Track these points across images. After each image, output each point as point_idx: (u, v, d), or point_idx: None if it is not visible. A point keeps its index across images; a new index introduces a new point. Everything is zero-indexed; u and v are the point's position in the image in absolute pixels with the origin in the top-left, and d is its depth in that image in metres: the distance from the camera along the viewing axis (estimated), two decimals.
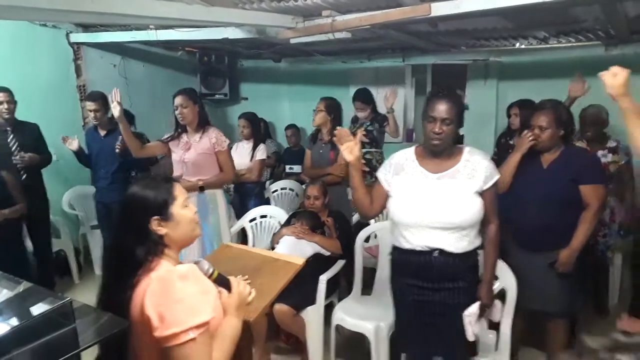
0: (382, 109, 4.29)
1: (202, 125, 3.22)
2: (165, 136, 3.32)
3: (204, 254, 3.04)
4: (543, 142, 2.45)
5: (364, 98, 4.09)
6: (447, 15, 2.65)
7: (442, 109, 1.93)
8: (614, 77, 1.62)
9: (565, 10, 3.11)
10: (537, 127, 2.45)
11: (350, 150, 2.05)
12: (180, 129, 3.25)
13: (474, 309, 2.03)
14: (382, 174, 2.15)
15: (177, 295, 1.22)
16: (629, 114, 1.66)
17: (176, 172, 3.28)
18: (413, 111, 5.54)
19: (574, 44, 4.16)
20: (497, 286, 2.46)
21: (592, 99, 3.40)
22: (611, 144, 3.29)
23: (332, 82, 5.54)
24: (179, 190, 1.43)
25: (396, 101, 4.19)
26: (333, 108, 3.54)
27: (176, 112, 3.15)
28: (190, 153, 3.19)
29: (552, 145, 2.46)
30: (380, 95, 4.97)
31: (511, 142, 3.73)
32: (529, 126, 2.50)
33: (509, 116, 3.80)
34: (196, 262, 1.40)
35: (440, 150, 1.99)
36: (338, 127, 2.13)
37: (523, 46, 4.36)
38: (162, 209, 1.36)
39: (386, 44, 4.60)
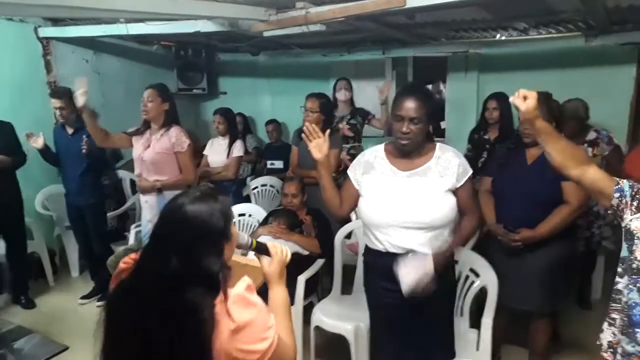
0: (360, 102, 4.23)
1: (167, 124, 3.11)
2: (131, 129, 3.23)
3: None
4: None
5: (347, 80, 4.08)
6: (422, 7, 2.58)
7: (410, 107, 1.86)
8: (525, 101, 1.58)
9: (544, 1, 3.06)
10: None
11: (319, 148, 1.99)
12: (145, 125, 3.15)
13: (417, 261, 1.88)
14: (351, 172, 2.09)
15: (256, 310, 1.13)
16: (545, 135, 1.64)
17: (135, 171, 3.19)
18: None
19: (554, 35, 4.12)
20: (477, 284, 2.43)
21: (571, 90, 3.38)
22: (590, 136, 3.25)
23: (312, 76, 5.45)
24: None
25: (376, 95, 4.14)
26: (327, 107, 3.44)
27: (141, 105, 3.05)
28: (149, 151, 3.09)
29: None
30: (361, 89, 4.92)
31: (486, 137, 3.69)
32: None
33: (485, 110, 3.72)
34: None
35: (409, 150, 1.93)
36: (307, 123, 2.04)
37: (503, 38, 4.30)
38: (227, 228, 1.19)
39: (366, 37, 4.52)
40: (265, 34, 3.44)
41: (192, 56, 5.53)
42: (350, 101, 4.13)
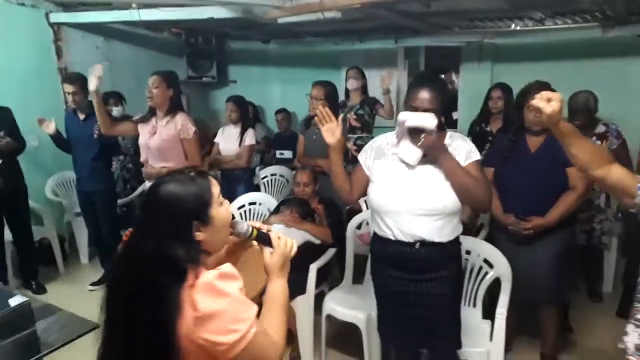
0: (372, 92, 4.18)
1: (172, 110, 3.10)
2: (137, 117, 3.22)
3: None
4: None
5: (358, 69, 4.01)
6: None
7: (423, 97, 1.83)
8: (550, 104, 1.51)
9: None
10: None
11: (332, 132, 1.96)
12: (151, 112, 3.13)
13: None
14: (362, 158, 2.07)
15: (227, 301, 1.08)
16: (569, 137, 1.58)
17: (142, 157, 3.18)
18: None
19: (571, 26, 4.05)
20: (491, 275, 2.42)
21: (587, 81, 3.32)
22: (600, 129, 3.19)
23: (323, 65, 5.41)
24: (214, 186, 1.22)
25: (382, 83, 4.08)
26: (333, 95, 3.42)
27: (146, 92, 3.04)
28: (155, 138, 3.08)
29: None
30: (372, 77, 4.87)
31: (487, 129, 3.63)
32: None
33: (489, 99, 3.64)
34: (232, 225, 1.27)
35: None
36: (320, 107, 2.01)
37: (518, 28, 4.24)
38: (202, 211, 1.16)
39: (378, 25, 4.47)
40: (280, 20, 3.40)
41: (202, 44, 5.49)
42: (362, 90, 4.08)
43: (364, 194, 2.07)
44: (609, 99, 3.30)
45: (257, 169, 4.92)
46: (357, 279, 3.02)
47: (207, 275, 1.07)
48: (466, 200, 1.89)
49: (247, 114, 4.15)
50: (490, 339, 2.35)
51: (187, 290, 1.05)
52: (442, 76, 5.05)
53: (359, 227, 3.20)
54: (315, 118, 2.00)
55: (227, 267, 1.12)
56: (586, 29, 4.01)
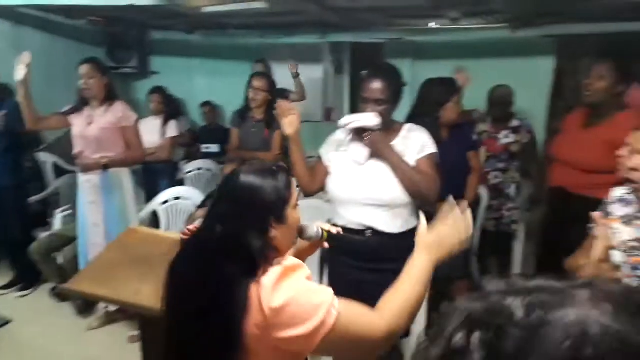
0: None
1: (108, 99, 2.98)
2: (66, 108, 3.04)
3: (108, 239, 2.83)
4: None
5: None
6: None
7: (374, 88, 1.91)
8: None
9: None
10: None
11: (291, 124, 2.00)
12: (82, 102, 2.98)
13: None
14: (324, 150, 2.15)
15: (295, 292, 1.02)
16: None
17: (76, 149, 3.01)
18: (332, 89, 5.52)
19: (484, 26, 4.31)
20: None
21: (498, 79, 3.57)
22: (514, 123, 3.45)
23: (249, 58, 5.34)
24: (294, 186, 1.19)
25: (314, 79, 4.15)
26: (274, 86, 3.51)
27: (80, 83, 2.89)
28: (93, 128, 2.93)
29: None
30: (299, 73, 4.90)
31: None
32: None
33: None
34: (301, 229, 1.26)
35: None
36: (279, 100, 2.11)
37: (437, 26, 4.45)
38: (279, 209, 1.12)
39: (304, 20, 4.50)
40: (204, 10, 3.32)
41: (123, 33, 5.24)
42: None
43: (324, 184, 2.13)
44: (518, 95, 3.56)
45: (182, 163, 4.78)
46: None
47: (273, 272, 1.03)
48: (412, 194, 1.95)
49: (169, 106, 4.02)
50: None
51: (254, 287, 1.01)
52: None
53: None
54: (275, 112, 2.05)
55: (290, 260, 1.09)
56: (497, 30, 4.29)
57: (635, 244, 1.59)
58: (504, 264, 3.77)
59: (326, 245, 1.39)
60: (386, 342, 1.11)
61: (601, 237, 1.45)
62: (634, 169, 1.53)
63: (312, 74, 5.22)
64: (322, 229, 1.35)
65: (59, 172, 4.16)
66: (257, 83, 3.39)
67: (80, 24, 5.08)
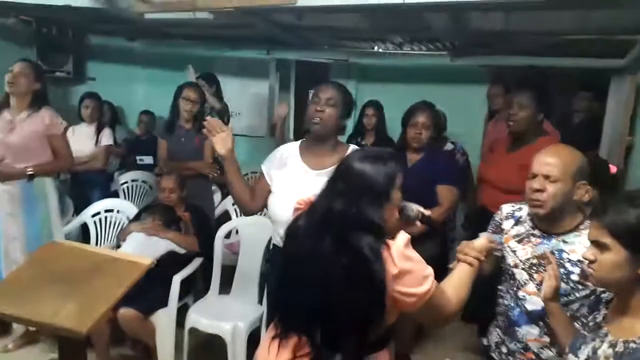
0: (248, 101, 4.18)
1: (35, 105, 2.80)
2: None
3: (27, 251, 2.63)
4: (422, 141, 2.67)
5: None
6: (312, 7, 2.61)
7: (327, 89, 1.93)
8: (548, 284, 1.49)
9: (418, 17, 3.29)
10: (420, 125, 2.66)
11: (223, 142, 1.86)
12: (2, 105, 2.78)
13: None
14: (265, 167, 2.04)
15: (415, 261, 1.25)
16: (557, 316, 1.50)
17: None
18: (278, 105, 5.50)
19: (425, 52, 4.48)
20: None
21: (437, 103, 3.68)
22: (448, 147, 3.57)
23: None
24: (402, 171, 1.35)
25: (260, 94, 4.12)
26: (203, 97, 3.46)
27: (7, 76, 2.71)
28: (16, 134, 2.74)
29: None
30: (245, 86, 4.86)
31: (363, 143, 3.86)
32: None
33: (363, 116, 3.90)
34: (401, 208, 1.39)
35: (321, 134, 1.93)
36: (208, 117, 1.95)
37: (380, 50, 4.56)
38: (389, 189, 1.30)
39: (251, 34, 4.46)
40: (147, 16, 3.21)
41: (57, 35, 4.93)
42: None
43: (266, 203, 2.02)
44: (455, 119, 3.71)
45: (117, 174, 4.55)
46: (224, 289, 2.94)
47: (398, 240, 1.23)
48: None
49: (103, 113, 3.85)
50: None
51: (385, 251, 1.21)
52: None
53: (227, 236, 3.14)
54: (204, 130, 1.89)
55: (406, 235, 1.26)
56: (437, 57, 4.46)
57: (534, 261, 1.66)
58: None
59: (419, 224, 1.50)
60: (455, 315, 1.40)
61: (553, 275, 1.47)
62: (537, 190, 1.59)
63: (258, 89, 5.17)
64: (419, 210, 1.47)
65: None
66: (190, 93, 3.31)
67: (9, 23, 4.76)
